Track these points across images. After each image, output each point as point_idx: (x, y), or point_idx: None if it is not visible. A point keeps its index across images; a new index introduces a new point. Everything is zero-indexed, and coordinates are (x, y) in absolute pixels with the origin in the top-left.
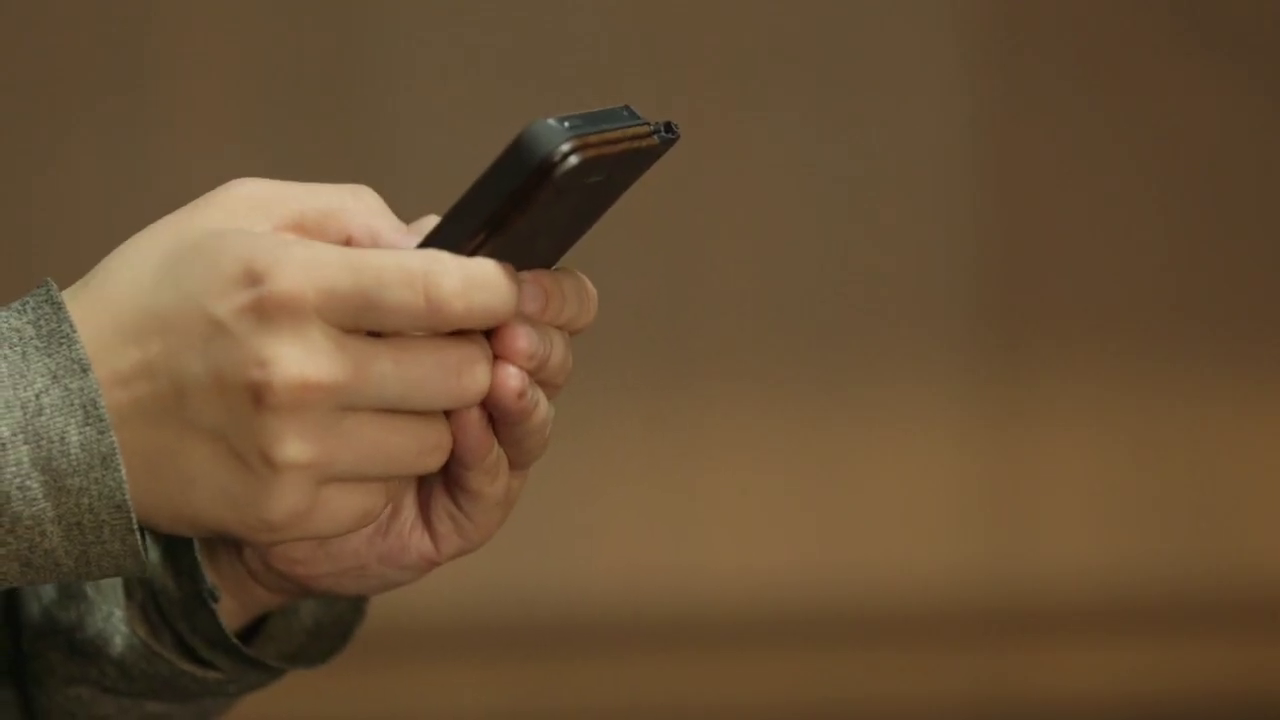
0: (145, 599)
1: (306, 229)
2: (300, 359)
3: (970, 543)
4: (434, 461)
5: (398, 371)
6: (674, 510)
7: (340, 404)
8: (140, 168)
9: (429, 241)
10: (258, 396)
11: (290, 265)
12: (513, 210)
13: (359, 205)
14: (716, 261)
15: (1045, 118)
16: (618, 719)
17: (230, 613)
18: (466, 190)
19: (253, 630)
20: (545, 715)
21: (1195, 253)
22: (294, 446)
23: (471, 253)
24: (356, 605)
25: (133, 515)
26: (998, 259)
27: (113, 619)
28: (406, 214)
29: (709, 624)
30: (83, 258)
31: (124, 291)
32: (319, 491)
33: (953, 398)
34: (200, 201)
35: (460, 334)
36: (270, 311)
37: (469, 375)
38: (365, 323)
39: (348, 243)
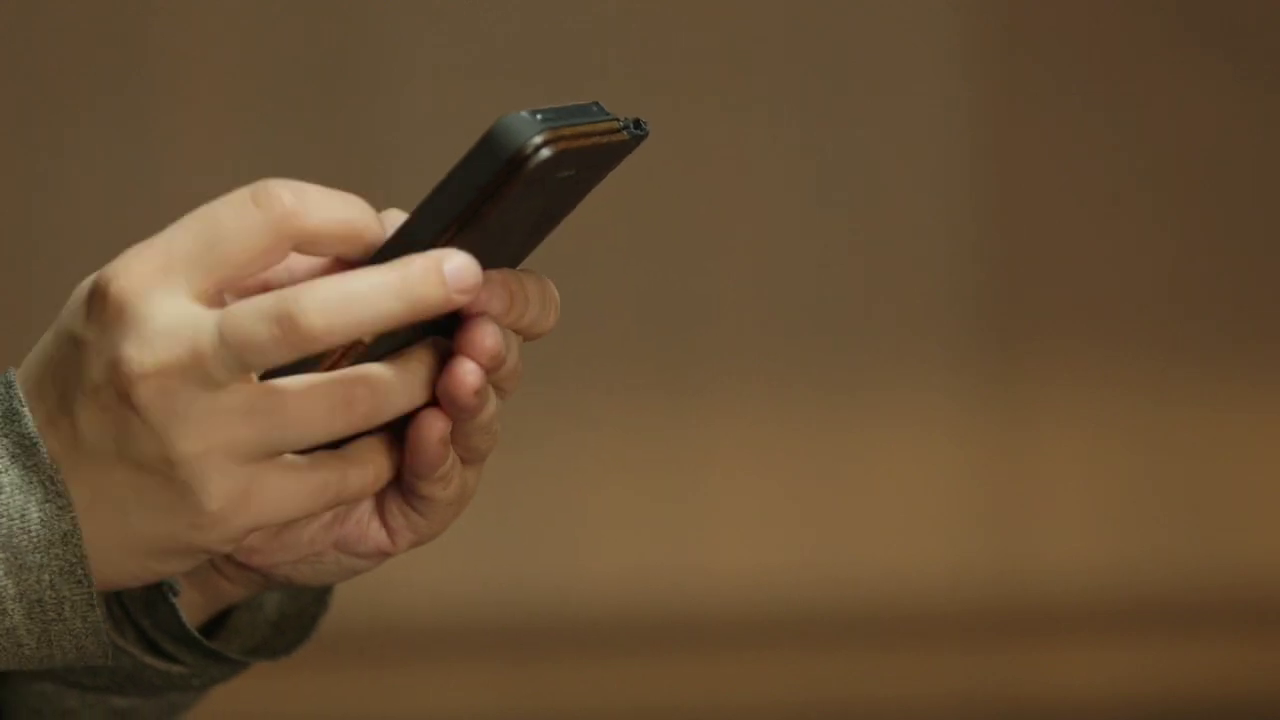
0: (108, 594)
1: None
2: (139, 349)
3: (970, 543)
4: (355, 417)
5: (221, 337)
6: (674, 511)
7: (198, 382)
8: (140, 167)
9: (398, 236)
10: (124, 398)
11: (119, 265)
12: (484, 203)
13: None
14: (716, 262)
15: (1045, 117)
16: (618, 719)
17: (195, 606)
18: (437, 183)
19: (218, 624)
20: (546, 716)
21: (1195, 253)
22: (181, 440)
23: (443, 246)
24: (320, 597)
25: (94, 592)
26: (997, 259)
27: None
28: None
29: (709, 624)
30: (83, 258)
31: (31, 357)
32: (244, 472)
33: (953, 398)
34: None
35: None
36: (108, 313)
37: (287, 320)
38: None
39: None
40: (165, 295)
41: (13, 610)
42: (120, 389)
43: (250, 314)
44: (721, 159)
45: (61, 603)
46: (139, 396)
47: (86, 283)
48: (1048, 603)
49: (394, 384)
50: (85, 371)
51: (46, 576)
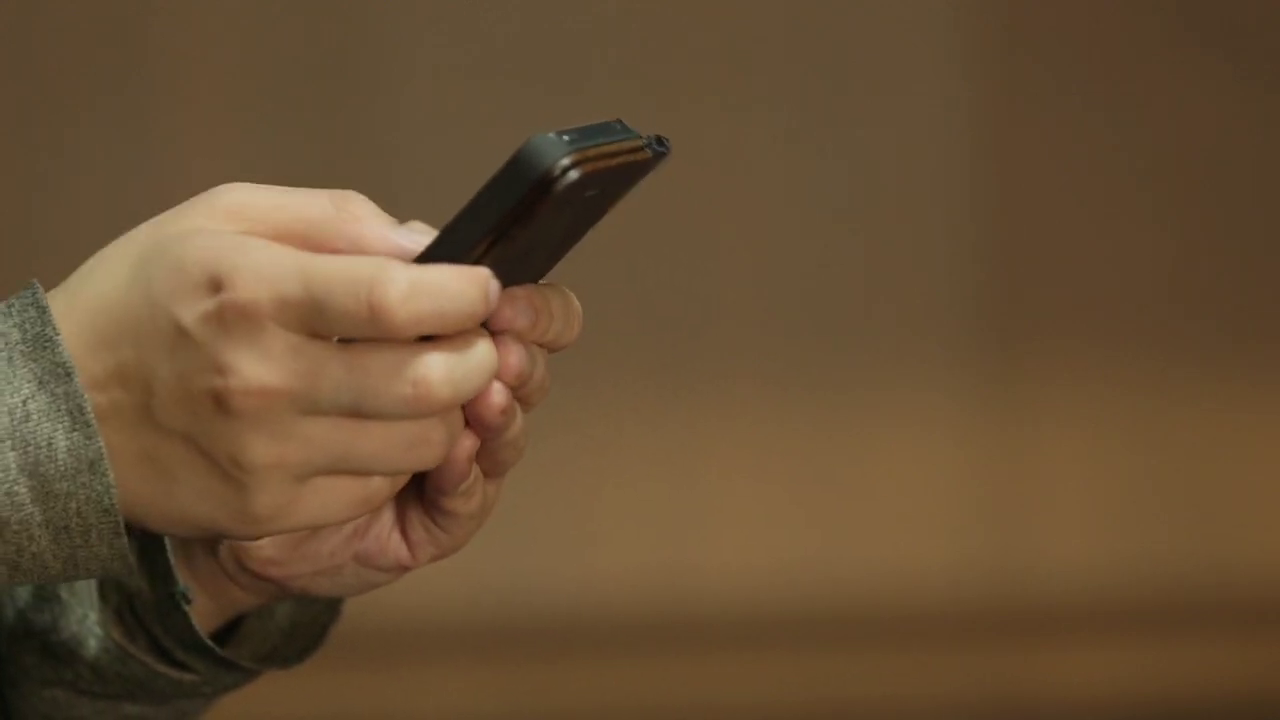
0: (120, 602)
1: (290, 241)
2: (256, 366)
3: (970, 543)
4: (427, 456)
5: (349, 378)
6: (675, 511)
7: (299, 409)
8: (140, 167)
9: (426, 256)
10: (219, 402)
11: (248, 272)
12: (512, 224)
13: (344, 213)
14: (717, 263)
15: (1045, 117)
16: (618, 719)
17: (207, 614)
18: (465, 204)
19: (229, 631)
20: (546, 716)
21: (1194, 253)
22: (258, 449)
23: (470, 266)
24: (332, 605)
25: (120, 519)
26: (997, 260)
27: (87, 622)
28: (405, 213)
29: (709, 624)
30: (83, 257)
31: (98, 295)
32: (300, 486)
33: (953, 398)
34: (183, 206)
35: (435, 342)
36: (229, 319)
37: (423, 386)
38: (318, 328)
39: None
40: (279, 322)
41: (39, 536)
42: (219, 390)
43: (386, 370)
44: (721, 159)
45: (88, 530)
46: (238, 405)
47: (196, 267)
48: (1048, 602)
49: (460, 421)
50: (179, 360)
51: (74, 505)
